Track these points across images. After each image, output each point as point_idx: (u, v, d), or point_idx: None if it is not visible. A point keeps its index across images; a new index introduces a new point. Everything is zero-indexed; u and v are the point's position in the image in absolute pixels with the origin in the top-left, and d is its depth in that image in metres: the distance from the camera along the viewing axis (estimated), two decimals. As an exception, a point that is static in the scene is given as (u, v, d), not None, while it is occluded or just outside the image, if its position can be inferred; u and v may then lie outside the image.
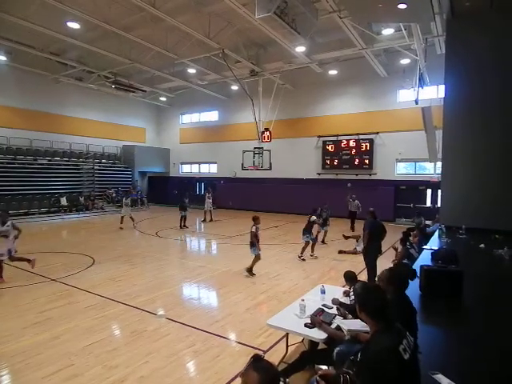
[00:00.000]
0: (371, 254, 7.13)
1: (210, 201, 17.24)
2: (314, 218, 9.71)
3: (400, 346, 1.83)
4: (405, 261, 6.71)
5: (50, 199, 19.06)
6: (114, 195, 22.59)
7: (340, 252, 10.43)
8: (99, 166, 22.59)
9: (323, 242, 11.81)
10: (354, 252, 10.24)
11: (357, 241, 10.56)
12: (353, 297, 4.10)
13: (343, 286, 5.28)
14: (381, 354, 1.83)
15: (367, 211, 7.92)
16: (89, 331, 4.99)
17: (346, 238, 11.54)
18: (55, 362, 4.15)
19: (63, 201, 19.43)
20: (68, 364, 4.10)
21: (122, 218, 15.04)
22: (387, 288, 2.72)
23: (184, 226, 15.02)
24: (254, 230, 7.88)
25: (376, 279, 3.30)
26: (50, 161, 20.00)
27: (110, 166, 23.56)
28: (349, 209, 15.23)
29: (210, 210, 17.34)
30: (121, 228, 14.74)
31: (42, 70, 18.13)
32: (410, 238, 7.14)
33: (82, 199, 20.30)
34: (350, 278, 4.70)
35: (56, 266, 8.66)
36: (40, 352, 4.37)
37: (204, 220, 17.28)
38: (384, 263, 8.73)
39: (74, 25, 13.19)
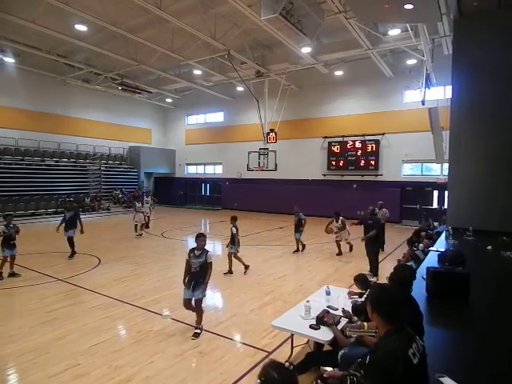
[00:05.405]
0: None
1: (148, 205, 14.67)
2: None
3: (409, 350, 1.81)
4: (411, 262, 6.67)
5: (57, 200, 19.23)
6: (120, 196, 22.72)
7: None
8: (105, 167, 22.78)
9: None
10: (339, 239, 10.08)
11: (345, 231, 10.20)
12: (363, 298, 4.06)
13: (349, 287, 5.25)
14: (389, 354, 1.81)
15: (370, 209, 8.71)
16: (95, 331, 5.03)
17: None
18: (62, 361, 4.18)
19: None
20: (74, 364, 4.13)
21: None
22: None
23: (73, 253, 9.60)
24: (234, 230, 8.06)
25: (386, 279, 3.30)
26: (57, 162, 20.22)
27: (117, 167, 23.74)
28: None
29: (148, 216, 14.66)
30: None
31: (49, 72, 18.37)
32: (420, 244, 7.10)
33: (87, 200, 20.45)
34: (361, 280, 4.60)
35: (63, 266, 8.75)
36: (47, 351, 4.42)
37: (146, 226, 14.42)
38: (388, 263, 8.72)
39: (81, 27, 13.35)
